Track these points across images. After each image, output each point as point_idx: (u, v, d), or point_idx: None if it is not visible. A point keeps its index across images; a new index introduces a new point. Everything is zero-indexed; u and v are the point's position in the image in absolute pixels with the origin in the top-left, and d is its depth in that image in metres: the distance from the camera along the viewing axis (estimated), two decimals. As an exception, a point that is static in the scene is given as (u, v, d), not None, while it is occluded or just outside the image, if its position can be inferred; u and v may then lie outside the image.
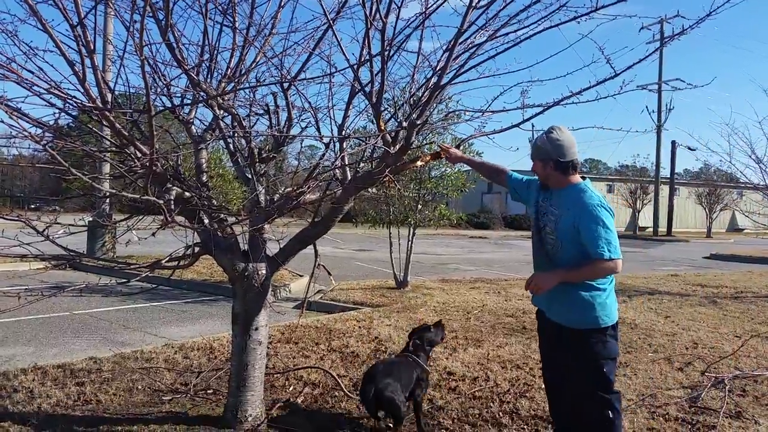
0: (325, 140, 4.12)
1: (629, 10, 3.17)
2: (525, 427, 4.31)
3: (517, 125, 3.66)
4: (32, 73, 3.10)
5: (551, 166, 3.30)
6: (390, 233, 11.42)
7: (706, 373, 5.62)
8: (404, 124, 3.46)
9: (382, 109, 3.44)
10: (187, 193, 3.78)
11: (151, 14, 2.98)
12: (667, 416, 4.53)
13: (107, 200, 11.24)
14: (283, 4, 3.94)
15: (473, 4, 3.06)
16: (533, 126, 11.92)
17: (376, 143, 3.65)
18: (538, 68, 3.54)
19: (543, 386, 5.13)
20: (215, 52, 3.82)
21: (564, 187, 3.33)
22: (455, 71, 3.32)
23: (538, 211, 3.48)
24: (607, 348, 3.24)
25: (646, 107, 38.95)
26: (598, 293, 3.24)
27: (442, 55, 3.26)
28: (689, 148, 35.68)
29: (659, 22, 36.45)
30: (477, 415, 4.48)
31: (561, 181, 3.33)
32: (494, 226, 42.66)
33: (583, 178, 3.36)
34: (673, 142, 41.73)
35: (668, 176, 42.87)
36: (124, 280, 4.80)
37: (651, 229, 42.42)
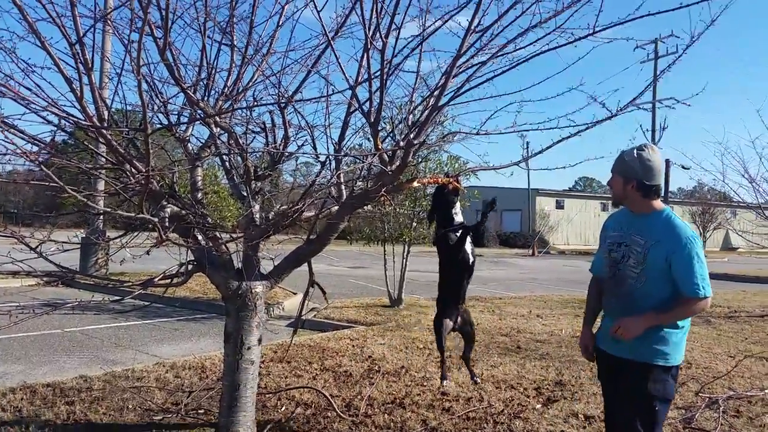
0: (322, 158, 4.13)
1: (625, 34, 3.20)
2: (520, 448, 4.28)
3: (517, 163, 3.72)
4: (30, 90, 3.10)
5: (633, 185, 3.05)
6: (385, 250, 11.40)
7: (700, 394, 5.61)
8: (401, 143, 3.46)
9: (379, 128, 3.45)
10: (182, 211, 3.77)
11: (149, 33, 2.98)
12: (662, 438, 4.50)
13: (101, 217, 11.19)
14: (281, 23, 3.97)
15: (472, 28, 3.09)
16: (526, 147, 11.99)
17: (372, 162, 3.65)
18: (535, 89, 3.58)
19: (537, 407, 5.13)
20: (213, 70, 3.83)
21: (649, 212, 3.09)
22: (453, 92, 3.34)
23: (615, 241, 3.19)
24: (665, 388, 3.00)
25: (640, 126, 39.16)
26: (674, 331, 3.01)
27: (440, 78, 3.28)
28: (683, 167, 35.78)
29: (653, 42, 36.87)
30: (472, 436, 4.45)
31: (641, 204, 3.09)
32: (489, 244, 42.69)
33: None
34: (667, 161, 41.90)
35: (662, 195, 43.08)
36: (117, 298, 4.77)
37: (644, 248, 42.48)
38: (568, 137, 3.52)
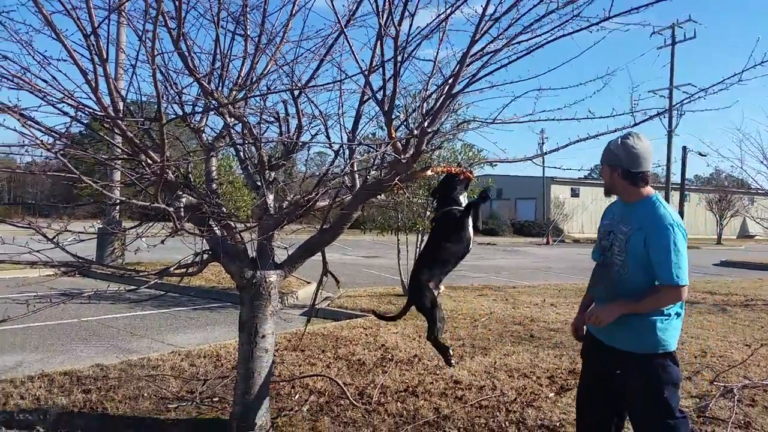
0: (335, 147, 4.12)
1: (641, 19, 3.16)
2: (534, 437, 4.28)
3: (531, 158, 3.74)
4: (46, 82, 3.12)
5: (619, 173, 3.10)
6: (398, 240, 11.41)
7: (715, 383, 5.57)
8: (415, 131, 3.45)
9: (393, 116, 3.44)
10: (196, 201, 3.79)
11: (163, 23, 2.99)
12: (677, 427, 4.48)
13: (117, 207, 11.29)
14: (294, 12, 3.96)
15: (486, 15, 3.06)
16: (542, 140, 11.92)
17: (386, 151, 3.65)
18: (550, 76, 3.55)
19: (549, 396, 5.13)
20: (227, 60, 3.84)
21: (635, 200, 3.13)
22: (468, 80, 3.32)
23: (605, 230, 3.27)
24: (667, 373, 3.04)
25: (657, 112, 38.81)
26: (662, 317, 3.03)
27: (455, 66, 3.26)
28: (700, 154, 35.51)
29: (671, 27, 36.41)
30: (483, 425, 4.46)
31: (629, 192, 3.14)
32: (503, 233, 42.60)
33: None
34: (684, 148, 41.64)
35: (679, 182, 42.74)
36: (133, 287, 4.82)
37: (660, 236, 42.14)
38: (586, 138, 3.51)
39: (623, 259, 3.08)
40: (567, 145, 3.53)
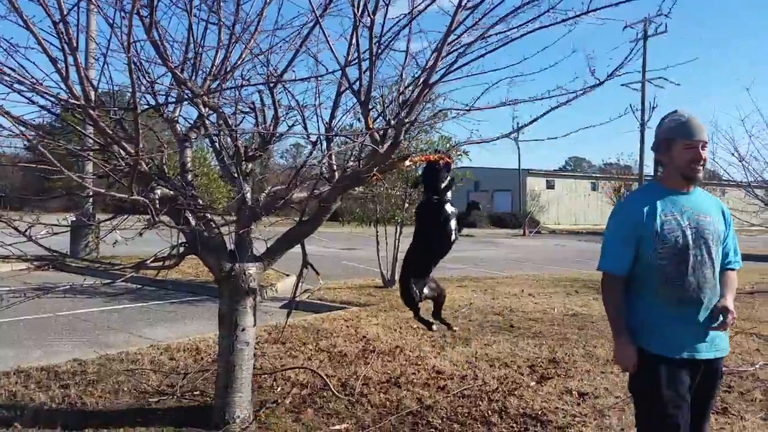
0: (313, 138, 4.09)
1: (617, 14, 3.18)
2: (514, 425, 4.31)
3: (507, 135, 3.72)
4: (13, 70, 3.04)
5: None
6: (377, 232, 11.39)
7: (693, 370, 5.65)
8: (393, 122, 3.43)
9: (370, 107, 3.42)
10: (172, 193, 3.74)
11: (135, 11, 2.92)
12: (654, 413, 4.54)
13: (91, 200, 11.12)
14: (268, 0, 3.90)
15: (462, 4, 3.05)
16: (517, 124, 11.99)
17: (363, 141, 3.62)
18: (525, 63, 3.55)
19: (531, 384, 5.16)
20: (200, 49, 3.78)
21: (695, 186, 2.79)
22: (444, 70, 3.31)
23: (677, 226, 2.69)
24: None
25: (630, 105, 39.24)
26: None
27: (431, 55, 3.25)
28: (672, 146, 35.85)
29: (643, 21, 36.77)
30: (466, 414, 4.48)
31: None
32: (481, 224, 42.75)
33: None
34: (657, 140, 42.08)
35: (652, 174, 43.28)
36: (109, 281, 4.74)
37: (635, 227, 42.66)
38: (557, 106, 3.47)
39: (716, 253, 2.73)
40: (542, 116, 3.47)
